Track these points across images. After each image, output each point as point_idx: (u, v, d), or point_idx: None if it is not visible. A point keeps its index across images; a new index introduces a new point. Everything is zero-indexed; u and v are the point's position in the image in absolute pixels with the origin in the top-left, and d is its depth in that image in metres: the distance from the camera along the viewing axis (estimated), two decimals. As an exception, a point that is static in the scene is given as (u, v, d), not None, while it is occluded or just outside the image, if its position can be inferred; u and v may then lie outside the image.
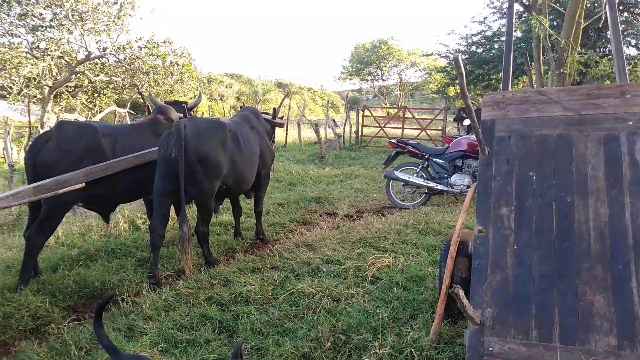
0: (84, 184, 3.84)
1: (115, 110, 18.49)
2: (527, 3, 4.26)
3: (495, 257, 2.74)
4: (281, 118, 5.85)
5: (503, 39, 15.48)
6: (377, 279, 3.88)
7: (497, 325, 2.54)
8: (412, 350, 2.66)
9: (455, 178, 6.63)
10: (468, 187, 6.60)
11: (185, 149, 3.97)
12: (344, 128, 17.23)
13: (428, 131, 16.07)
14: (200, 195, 4.25)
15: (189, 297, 3.74)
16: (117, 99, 20.74)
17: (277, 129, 5.94)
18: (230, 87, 36.15)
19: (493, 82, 17.35)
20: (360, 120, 16.40)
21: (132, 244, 5.23)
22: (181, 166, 3.95)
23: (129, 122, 14.15)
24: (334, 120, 18.58)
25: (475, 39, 16.21)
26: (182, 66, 19.06)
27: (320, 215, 6.55)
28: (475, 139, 6.48)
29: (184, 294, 3.79)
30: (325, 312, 3.26)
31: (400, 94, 42.42)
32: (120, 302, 3.71)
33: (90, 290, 4.06)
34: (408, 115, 16.88)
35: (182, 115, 5.30)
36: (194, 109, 5.76)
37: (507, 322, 2.54)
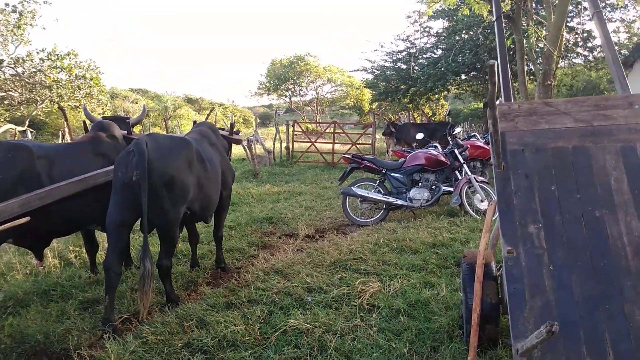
0: (28, 218, 3.13)
1: (14, 129, 16.56)
2: (512, 16, 4.33)
3: (531, 280, 2.53)
4: (237, 133, 5.37)
5: (426, 55, 16.10)
6: (374, 306, 3.55)
7: (548, 355, 2.32)
8: (455, 392, 2.36)
9: (414, 192, 6.53)
10: (427, 201, 6.53)
11: (149, 171, 3.40)
12: (274, 144, 16.83)
13: (358, 145, 16.17)
14: (165, 224, 3.67)
15: (161, 345, 3.16)
16: (8, 116, 18.51)
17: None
18: (137, 103, 34.30)
19: (416, 97, 17.94)
20: (291, 136, 16.13)
21: (69, 284, 4.47)
22: (144, 191, 3.37)
23: (32, 141, 12.62)
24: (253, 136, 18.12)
25: (400, 55, 16.72)
26: (91, 80, 17.72)
27: (280, 237, 6.11)
28: (432, 153, 6.44)
29: (154, 341, 3.20)
30: (335, 352, 2.86)
31: (318, 109, 42.90)
32: (75, 358, 3.04)
33: (31, 345, 3.31)
34: (338, 130, 16.89)
35: (125, 132, 4.67)
36: (138, 125, 5.11)
37: (557, 350, 2.32)
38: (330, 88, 42.21)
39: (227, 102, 44.34)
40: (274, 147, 16.69)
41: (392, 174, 6.74)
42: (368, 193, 6.61)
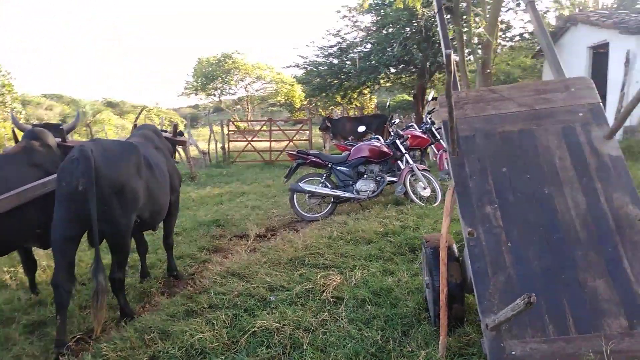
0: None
1: None
2: (451, 7, 4.49)
3: (492, 258, 2.66)
4: (181, 134, 5.19)
5: (357, 49, 16.39)
6: (339, 299, 3.58)
7: (514, 328, 2.45)
8: (433, 371, 2.44)
9: (360, 184, 6.64)
10: (373, 192, 6.67)
11: (97, 179, 3.21)
12: (208, 144, 16.43)
13: (295, 142, 16.18)
14: (117, 234, 3.48)
15: (124, 361, 3.00)
16: None
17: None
18: (51, 110, 32.19)
19: (349, 91, 18.22)
20: (226, 136, 15.83)
21: (8, 307, 4.15)
22: (92, 200, 3.18)
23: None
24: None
25: (332, 50, 16.89)
26: (4, 87, 16.44)
27: (230, 239, 6.00)
28: (375, 145, 6.58)
29: (116, 358, 3.03)
30: (310, 347, 2.86)
31: (249, 107, 42.36)
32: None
33: (-25, 378, 3.03)
34: (274, 127, 16.80)
35: (60, 139, 4.37)
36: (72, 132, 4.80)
37: (522, 322, 2.46)
38: (260, 85, 41.73)
39: (151, 105, 42.52)
40: (208, 148, 16.32)
41: (338, 168, 6.82)
42: (316, 188, 6.64)
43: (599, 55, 13.03)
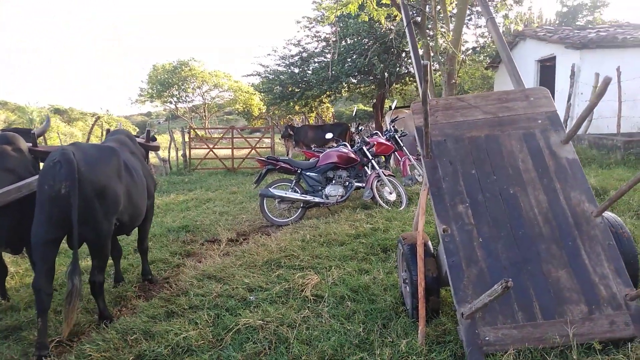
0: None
1: None
2: (418, 22, 4.74)
3: (466, 253, 2.90)
4: (154, 140, 5.21)
5: (318, 59, 16.68)
6: (319, 297, 3.72)
7: (487, 316, 2.69)
8: (415, 358, 2.62)
9: (329, 189, 6.83)
10: (342, 197, 6.87)
11: (79, 182, 3.23)
12: (169, 152, 16.22)
13: (257, 149, 16.20)
14: (98, 237, 3.49)
15: (109, 362, 3.03)
16: None
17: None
18: (-4, 117, 30.71)
19: (309, 100, 18.48)
20: (187, 143, 15.67)
21: (-23, 314, 4.03)
22: (74, 204, 3.19)
23: None
24: None
25: (293, 60, 17.09)
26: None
27: (202, 244, 6.02)
28: (343, 151, 6.80)
29: (100, 359, 3.06)
30: (296, 341, 2.98)
31: (206, 115, 41.88)
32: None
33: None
34: (236, 135, 16.77)
35: (30, 144, 4.32)
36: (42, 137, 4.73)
37: (494, 310, 2.70)
38: (218, 93, 41.32)
39: (101, 112, 41.14)
40: (169, 156, 16.10)
41: (307, 173, 6.98)
42: (286, 193, 6.77)
43: (546, 68, 13.88)
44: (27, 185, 3.73)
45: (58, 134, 20.63)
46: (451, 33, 4.71)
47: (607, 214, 3.13)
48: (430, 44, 5.77)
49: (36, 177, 3.68)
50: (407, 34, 3.99)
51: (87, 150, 3.50)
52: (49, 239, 3.29)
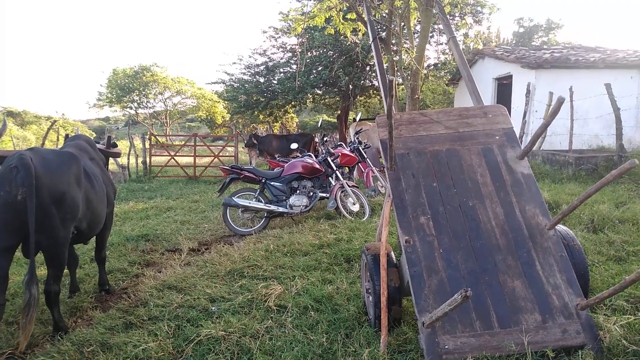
0: None
1: None
2: (383, 37, 4.84)
3: (427, 263, 2.98)
4: (115, 146, 5.08)
5: (283, 69, 16.73)
6: (282, 307, 3.72)
7: (446, 325, 2.76)
8: (376, 367, 2.66)
9: (293, 199, 6.85)
10: (306, 207, 6.89)
11: (37, 188, 3.13)
12: (128, 158, 15.82)
13: (220, 158, 16.05)
14: (54, 245, 3.38)
15: (64, 375, 2.92)
16: None
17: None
18: (-57, 120, 29.20)
19: (274, 110, 18.48)
20: (148, 150, 15.34)
21: None
22: (31, 210, 3.09)
23: None
24: None
25: (258, 69, 17.07)
26: None
27: (162, 254, 5.90)
28: (308, 162, 6.84)
29: (54, 373, 2.95)
30: (259, 352, 2.97)
31: (168, 122, 41.12)
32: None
33: None
34: (199, 143, 16.55)
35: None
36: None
37: (453, 319, 2.78)
38: (181, 100, 40.68)
39: (57, 115, 39.65)
40: (128, 162, 15.71)
41: (272, 183, 6.98)
42: (250, 202, 6.74)
43: (503, 86, 14.44)
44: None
45: (12, 137, 19.78)
46: (415, 49, 4.88)
47: (560, 227, 3.28)
48: (395, 59, 5.94)
49: None
50: (373, 49, 4.09)
51: (46, 156, 3.39)
52: (3, 247, 3.16)
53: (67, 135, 5.01)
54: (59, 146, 4.82)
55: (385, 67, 4.06)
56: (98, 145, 4.80)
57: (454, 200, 3.23)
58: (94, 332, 3.47)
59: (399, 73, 6.01)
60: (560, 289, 2.89)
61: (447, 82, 16.60)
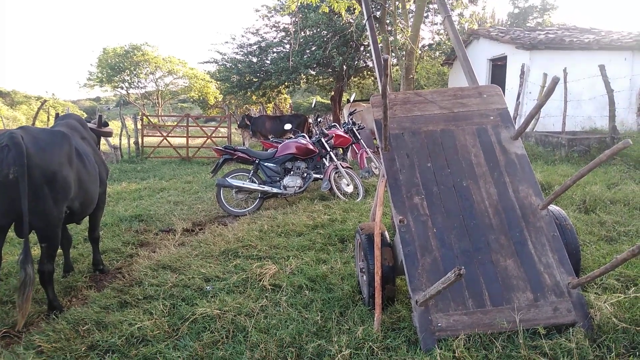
0: None
1: None
2: (378, 17, 4.75)
3: (421, 242, 3.00)
4: (106, 125, 5.02)
5: (277, 49, 16.57)
6: (277, 286, 3.75)
7: (439, 303, 2.80)
8: (370, 344, 2.70)
9: (287, 180, 6.84)
10: (300, 188, 6.90)
11: (29, 167, 3.10)
12: (120, 139, 15.68)
13: (213, 139, 15.95)
14: (47, 225, 3.37)
15: (60, 352, 2.94)
16: None
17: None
18: None
19: (267, 90, 18.34)
20: (140, 130, 15.21)
21: None
22: (23, 190, 3.07)
23: None
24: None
25: (251, 49, 16.87)
26: None
27: (156, 234, 5.90)
28: (302, 142, 6.82)
29: (51, 350, 2.97)
30: (254, 330, 3.00)
31: (160, 102, 40.69)
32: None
33: None
34: (192, 123, 16.41)
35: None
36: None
37: (446, 298, 2.81)
38: (172, 80, 40.17)
39: (47, 95, 39.00)
40: (120, 143, 15.58)
41: (266, 164, 6.96)
42: (243, 183, 6.73)
43: (498, 67, 14.39)
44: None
45: (1, 118, 19.51)
46: (410, 29, 4.81)
47: (552, 207, 3.31)
48: (390, 39, 5.88)
49: None
50: (368, 28, 4.04)
51: (37, 135, 3.35)
52: (-6, 226, 3.14)
53: (57, 114, 4.92)
54: (50, 126, 4.76)
55: (379, 47, 4.02)
56: (89, 125, 4.74)
57: (448, 180, 3.24)
58: (89, 311, 3.48)
59: (393, 53, 5.95)
60: (552, 267, 2.92)
61: (441, 62, 16.52)
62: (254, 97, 20.23)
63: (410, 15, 5.84)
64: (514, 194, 3.17)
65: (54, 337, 3.09)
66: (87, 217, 4.43)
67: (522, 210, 3.10)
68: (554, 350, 2.54)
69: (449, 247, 2.99)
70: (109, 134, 5.06)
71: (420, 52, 12.88)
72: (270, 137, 13.87)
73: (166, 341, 3.02)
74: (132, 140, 15.55)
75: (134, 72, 38.42)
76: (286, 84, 17.30)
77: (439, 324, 2.72)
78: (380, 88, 3.74)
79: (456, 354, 2.53)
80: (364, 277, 3.32)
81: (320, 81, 19.78)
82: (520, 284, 2.86)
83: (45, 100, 16.62)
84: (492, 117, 3.49)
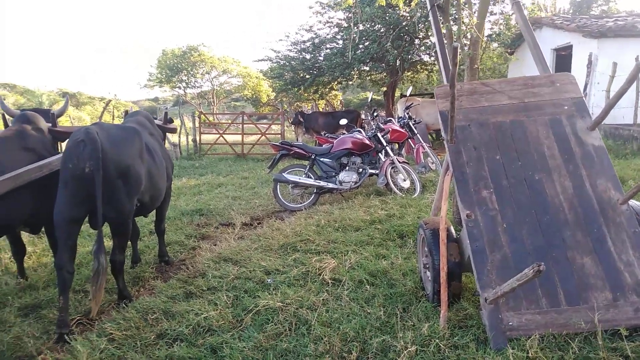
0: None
1: None
2: (441, 5, 4.66)
3: (490, 238, 2.88)
4: (171, 122, 5.20)
5: (330, 45, 16.53)
6: (337, 280, 3.73)
7: (510, 301, 2.67)
8: (437, 341, 2.62)
9: (343, 175, 6.81)
10: (355, 183, 6.85)
11: (103, 162, 3.23)
12: (179, 136, 16.23)
13: (267, 135, 16.18)
14: (120, 217, 3.51)
15: (131, 340, 3.06)
16: None
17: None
18: (5, 99, 30.73)
19: (320, 87, 18.35)
20: (197, 128, 15.68)
21: (-1, 291, 4.08)
22: (98, 183, 3.20)
23: None
24: None
25: (304, 45, 16.95)
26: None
27: (217, 228, 6.04)
28: (357, 137, 6.77)
29: (122, 337, 3.09)
30: (317, 323, 2.99)
31: (215, 101, 41.75)
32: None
33: (-22, 359, 3.02)
34: (246, 120, 16.75)
35: (50, 124, 4.32)
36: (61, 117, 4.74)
37: (518, 296, 2.68)
38: (227, 79, 41.12)
39: (109, 96, 40.94)
40: (179, 140, 16.12)
41: (322, 159, 6.96)
42: (300, 178, 6.76)
43: (562, 57, 13.68)
44: (48, 164, 3.72)
45: (69, 117, 20.69)
46: (475, 17, 4.64)
47: (633, 202, 3.09)
48: (454, 28, 5.71)
49: (58, 156, 3.69)
50: (431, 17, 3.94)
51: (111, 130, 3.50)
52: (72, 217, 3.31)
53: (126, 111, 5.14)
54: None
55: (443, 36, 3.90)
56: (156, 121, 4.91)
57: (518, 173, 3.09)
58: (157, 301, 3.60)
59: (457, 42, 5.76)
60: (633, 266, 2.73)
61: (507, 52, 15.86)
62: (305, 94, 20.34)
63: (475, 2, 5.65)
64: (591, 187, 2.98)
65: (124, 325, 3.22)
66: (154, 210, 4.60)
67: (601, 205, 2.91)
68: (636, 352, 2.37)
69: (520, 243, 2.85)
70: (173, 130, 5.23)
71: (486, 39, 12.47)
72: (323, 133, 13.92)
73: (231, 331, 3.08)
74: (190, 138, 16.07)
75: (191, 72, 39.64)
76: (339, 80, 17.22)
77: (510, 323, 2.60)
78: (446, 78, 3.64)
79: (529, 354, 2.41)
80: (428, 273, 3.23)
81: (372, 76, 19.57)
82: (599, 282, 2.68)
83: (109, 101, 17.44)
84: (566, 107, 3.30)
